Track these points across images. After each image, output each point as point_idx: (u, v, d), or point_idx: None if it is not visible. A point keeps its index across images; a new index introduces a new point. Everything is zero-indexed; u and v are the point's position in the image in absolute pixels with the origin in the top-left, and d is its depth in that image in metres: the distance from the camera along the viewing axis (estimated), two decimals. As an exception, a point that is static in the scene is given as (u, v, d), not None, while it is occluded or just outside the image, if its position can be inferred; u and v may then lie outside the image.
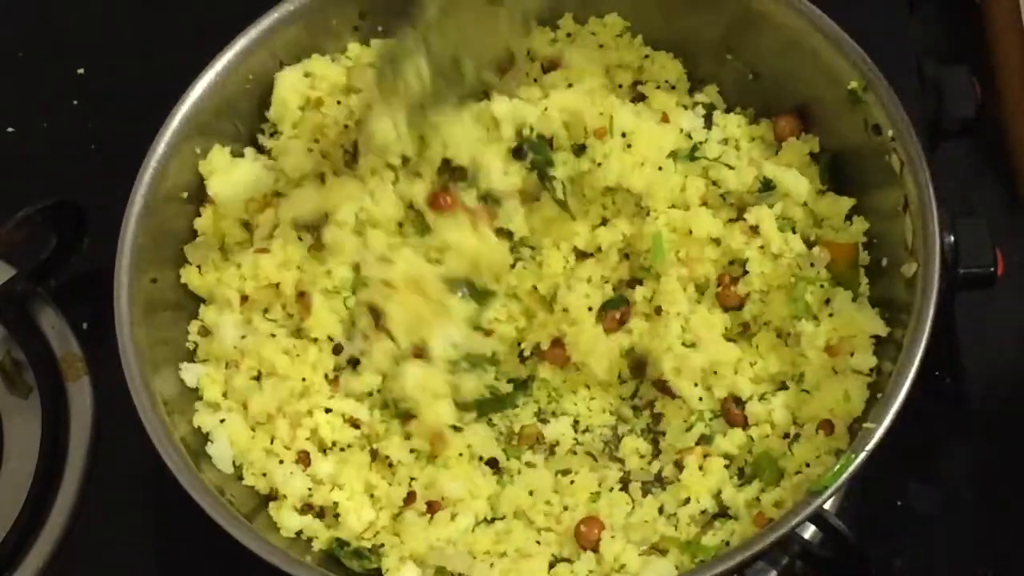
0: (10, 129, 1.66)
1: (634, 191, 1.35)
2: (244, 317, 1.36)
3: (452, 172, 1.36)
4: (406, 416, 1.33)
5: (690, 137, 1.39)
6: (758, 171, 1.36)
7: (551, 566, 1.27)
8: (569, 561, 1.28)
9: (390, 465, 1.33)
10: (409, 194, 1.35)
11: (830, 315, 1.30)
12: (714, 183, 1.37)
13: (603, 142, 1.35)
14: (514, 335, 1.39)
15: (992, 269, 1.37)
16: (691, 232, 1.34)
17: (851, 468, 1.14)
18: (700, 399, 1.32)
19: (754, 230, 1.34)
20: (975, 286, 1.37)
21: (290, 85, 1.39)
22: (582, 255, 1.39)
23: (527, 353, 1.39)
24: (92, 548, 1.42)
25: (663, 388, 1.34)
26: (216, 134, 1.38)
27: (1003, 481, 1.41)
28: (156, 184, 1.32)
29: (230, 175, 1.38)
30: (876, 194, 1.30)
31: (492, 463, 1.35)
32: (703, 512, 1.28)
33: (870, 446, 1.15)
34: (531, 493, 1.32)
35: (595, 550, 1.27)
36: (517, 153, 1.37)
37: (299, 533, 1.29)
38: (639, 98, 1.42)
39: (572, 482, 1.32)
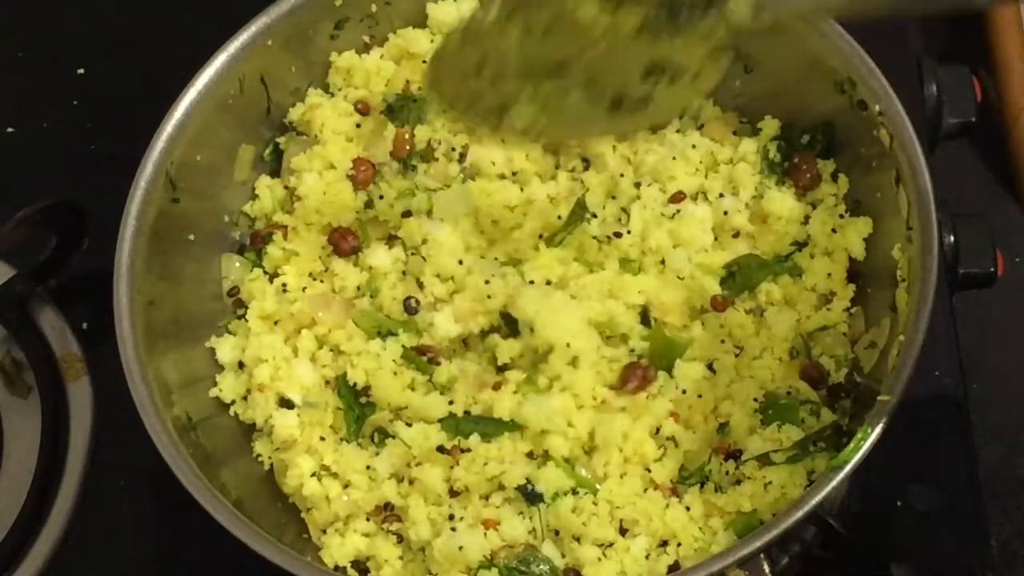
0: (10, 129, 1.66)
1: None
2: None
3: None
4: None
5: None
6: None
7: None
8: None
9: None
10: None
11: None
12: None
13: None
14: None
15: (992, 269, 1.37)
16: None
17: (851, 463, 1.14)
18: None
19: None
20: (975, 286, 1.38)
21: None
22: None
23: None
24: (92, 548, 1.42)
25: None
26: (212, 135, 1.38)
27: (1003, 481, 1.42)
28: (154, 184, 1.32)
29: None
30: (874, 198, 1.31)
31: None
32: None
33: (867, 446, 1.15)
34: None
35: None
36: None
37: None
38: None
39: None
